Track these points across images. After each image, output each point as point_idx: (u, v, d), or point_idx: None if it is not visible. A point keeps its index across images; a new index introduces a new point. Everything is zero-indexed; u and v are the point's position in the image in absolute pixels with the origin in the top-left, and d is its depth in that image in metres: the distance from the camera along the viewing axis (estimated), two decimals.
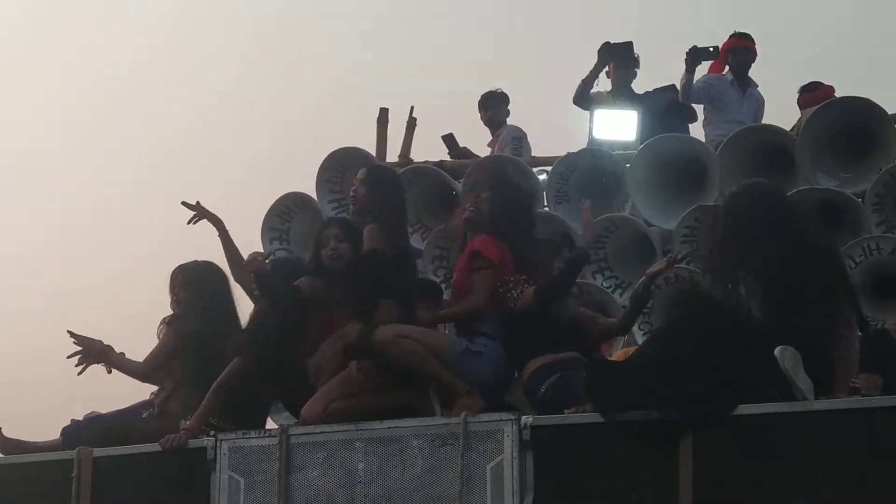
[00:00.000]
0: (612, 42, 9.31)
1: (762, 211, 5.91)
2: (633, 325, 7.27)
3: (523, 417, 5.82)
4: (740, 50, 9.14)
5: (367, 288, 6.51)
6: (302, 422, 6.33)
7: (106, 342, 7.08)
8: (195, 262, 7.37)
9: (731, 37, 9.18)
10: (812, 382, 5.45)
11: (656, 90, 9.32)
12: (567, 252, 6.75)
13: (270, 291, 6.72)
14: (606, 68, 9.31)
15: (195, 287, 7.20)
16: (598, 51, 9.31)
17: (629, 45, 9.31)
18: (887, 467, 5.24)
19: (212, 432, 6.43)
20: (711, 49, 8.83)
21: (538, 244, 6.72)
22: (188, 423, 6.65)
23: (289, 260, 7.87)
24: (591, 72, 9.30)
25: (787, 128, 8.67)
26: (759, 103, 9.20)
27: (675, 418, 5.54)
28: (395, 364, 6.28)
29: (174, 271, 7.32)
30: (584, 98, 9.32)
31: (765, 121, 9.04)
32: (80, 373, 7.01)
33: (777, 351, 5.37)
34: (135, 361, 7.12)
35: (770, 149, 8.22)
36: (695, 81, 8.89)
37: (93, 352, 7.00)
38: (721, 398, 5.50)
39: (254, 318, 6.87)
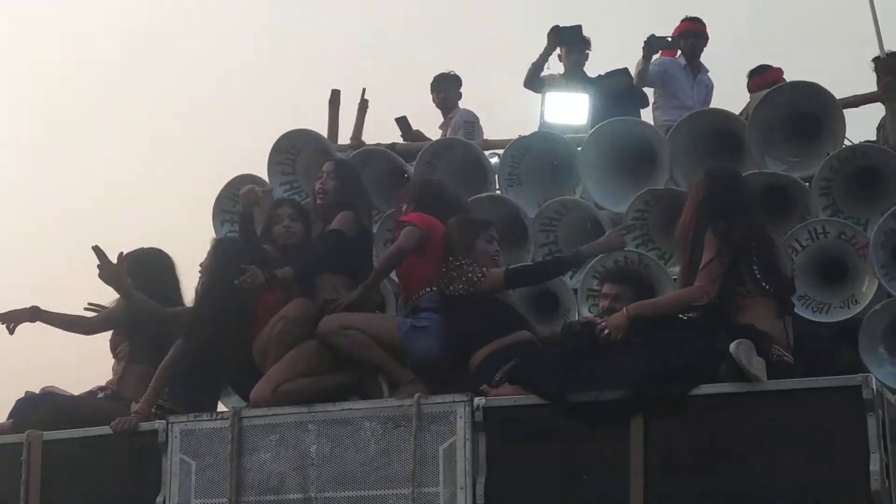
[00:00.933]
0: (560, 26, 9.35)
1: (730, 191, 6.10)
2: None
3: (476, 399, 5.85)
4: (692, 33, 9.23)
5: (324, 264, 6.58)
6: (252, 403, 6.34)
7: None
8: (140, 248, 7.38)
9: (682, 21, 9.26)
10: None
11: (608, 73, 9.35)
12: (494, 233, 6.78)
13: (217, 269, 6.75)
14: (559, 52, 9.34)
15: (140, 272, 7.20)
16: (548, 34, 9.34)
17: (578, 28, 9.34)
18: (834, 444, 5.31)
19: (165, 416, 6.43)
20: (670, 39, 8.89)
21: (463, 223, 6.74)
22: (138, 405, 6.64)
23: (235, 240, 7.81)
24: (540, 55, 9.33)
25: (737, 112, 8.75)
26: (708, 88, 9.29)
27: (626, 399, 5.59)
28: (342, 354, 6.32)
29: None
30: (535, 81, 9.35)
31: (713, 106, 9.12)
32: (11, 332, 7.07)
33: (732, 347, 5.44)
34: (74, 314, 7.19)
35: (719, 133, 8.27)
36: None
37: (20, 314, 7.02)
38: (673, 381, 5.55)
39: (196, 298, 6.87)
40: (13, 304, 7.26)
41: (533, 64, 9.36)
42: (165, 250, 7.52)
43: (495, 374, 6.07)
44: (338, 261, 6.71)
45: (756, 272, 5.90)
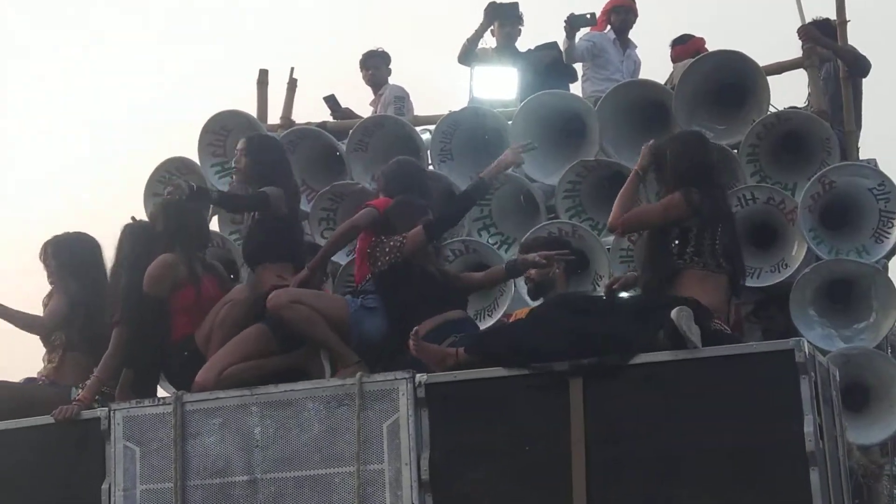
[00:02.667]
0: (497, 1, 9.38)
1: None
2: (495, 286, 7.54)
3: (417, 375, 5.89)
4: (622, 9, 9.34)
5: (262, 249, 6.61)
6: (197, 388, 6.32)
7: None
8: (65, 233, 7.36)
9: None
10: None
11: (538, 47, 9.42)
12: (432, 216, 6.80)
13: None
14: (492, 27, 9.38)
15: (65, 256, 7.18)
16: (484, 10, 9.37)
17: (515, 5, 9.38)
18: (769, 407, 5.43)
19: (106, 403, 6.42)
20: (588, 16, 8.97)
21: (403, 207, 6.79)
22: (80, 393, 6.62)
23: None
24: (475, 31, 9.37)
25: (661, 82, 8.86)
26: (636, 64, 9.40)
27: (564, 369, 5.67)
28: (289, 328, 6.33)
29: (44, 245, 7.33)
30: (469, 56, 9.39)
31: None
32: None
33: (673, 313, 5.53)
34: (33, 314, 7.16)
35: (647, 103, 8.36)
36: (578, 41, 9.02)
37: None
38: (611, 350, 5.64)
39: (125, 286, 6.82)
40: None
41: (468, 39, 9.40)
42: (91, 234, 7.46)
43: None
44: (277, 247, 6.70)
45: (717, 248, 6.00)
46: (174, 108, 15.75)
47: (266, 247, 6.77)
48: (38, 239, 7.41)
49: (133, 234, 6.90)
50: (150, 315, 6.61)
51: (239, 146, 7.10)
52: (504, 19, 9.33)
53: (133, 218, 7.06)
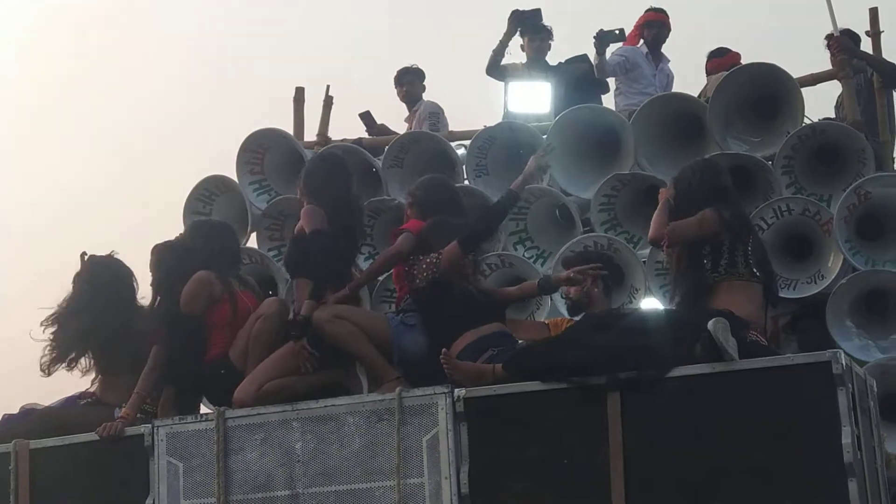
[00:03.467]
0: (520, 10, 9.44)
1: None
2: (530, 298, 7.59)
3: (456, 390, 5.92)
4: (656, 24, 9.37)
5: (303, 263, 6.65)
6: (236, 404, 6.39)
7: None
8: (95, 256, 7.36)
9: (646, 11, 9.39)
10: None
11: (569, 61, 9.46)
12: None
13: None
14: (521, 41, 9.43)
15: (95, 281, 7.22)
16: (508, 19, 9.43)
17: (537, 11, 9.43)
18: (806, 419, 5.45)
19: (150, 419, 6.50)
20: (617, 32, 9.00)
21: (440, 227, 6.80)
22: (123, 410, 6.70)
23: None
24: (500, 41, 9.41)
25: (695, 94, 8.89)
26: (668, 78, 9.43)
27: (602, 384, 5.70)
28: (331, 343, 6.40)
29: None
30: (497, 68, 9.43)
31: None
32: None
33: (710, 324, 5.55)
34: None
35: (681, 116, 8.40)
36: (610, 55, 9.06)
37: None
38: (649, 364, 5.67)
39: (162, 304, 6.89)
40: None
41: (493, 50, 9.45)
42: (122, 259, 7.42)
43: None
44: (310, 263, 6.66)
45: (750, 257, 6.04)
46: (209, 126, 15.90)
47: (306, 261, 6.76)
48: None
49: (169, 253, 6.99)
50: (188, 332, 6.69)
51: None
52: (528, 29, 9.37)
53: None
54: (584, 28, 9.31)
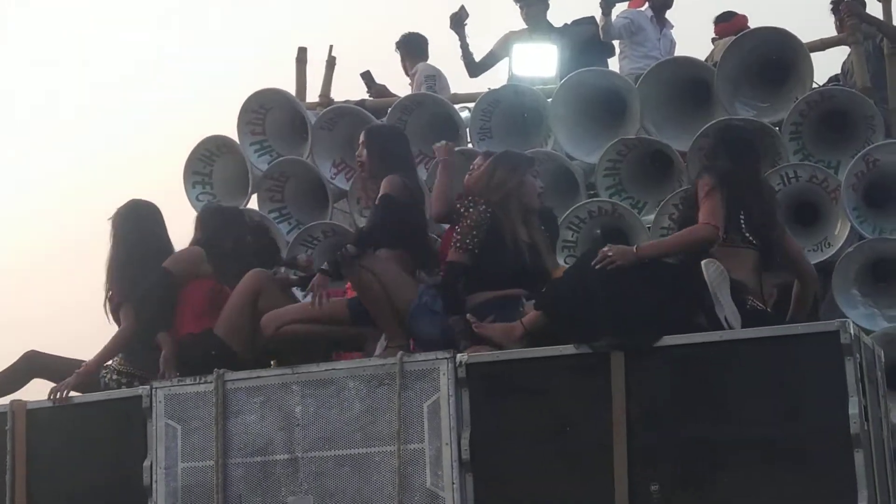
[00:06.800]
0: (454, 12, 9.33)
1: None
2: None
3: (458, 355, 5.87)
4: None
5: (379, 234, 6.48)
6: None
7: None
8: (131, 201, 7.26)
9: None
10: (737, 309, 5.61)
11: (574, 22, 9.38)
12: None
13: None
14: (520, 12, 9.34)
15: (131, 224, 7.13)
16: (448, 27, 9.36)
17: None
18: (814, 389, 5.39)
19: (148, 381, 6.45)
20: None
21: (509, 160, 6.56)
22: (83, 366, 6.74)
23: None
24: (460, 47, 9.39)
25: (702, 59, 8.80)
26: (672, 44, 9.34)
27: (605, 349, 5.64)
28: (357, 292, 6.37)
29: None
30: (477, 66, 9.51)
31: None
32: None
33: (703, 263, 5.47)
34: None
35: (688, 81, 8.31)
36: (615, 17, 8.96)
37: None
38: (646, 326, 5.60)
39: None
40: None
41: (461, 57, 9.45)
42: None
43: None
44: (393, 231, 6.50)
45: (742, 223, 5.92)
46: (214, 88, 15.80)
47: (378, 228, 6.55)
48: None
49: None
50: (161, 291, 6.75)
51: (361, 138, 6.93)
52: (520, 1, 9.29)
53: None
54: None
